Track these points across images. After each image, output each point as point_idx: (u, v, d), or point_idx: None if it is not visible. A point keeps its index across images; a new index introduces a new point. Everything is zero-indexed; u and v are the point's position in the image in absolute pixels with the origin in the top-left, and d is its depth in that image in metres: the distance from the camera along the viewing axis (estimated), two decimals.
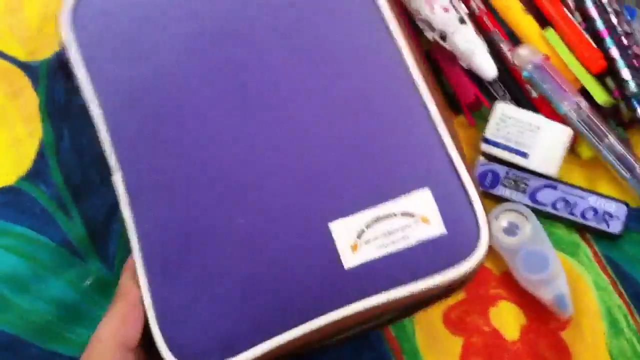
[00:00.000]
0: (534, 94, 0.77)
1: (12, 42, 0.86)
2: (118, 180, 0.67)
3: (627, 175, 0.73)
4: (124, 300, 0.63)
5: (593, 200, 0.74)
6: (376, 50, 0.66)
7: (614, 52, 0.75)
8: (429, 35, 0.77)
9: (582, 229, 0.75)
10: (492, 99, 0.79)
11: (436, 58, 0.80)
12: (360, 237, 0.61)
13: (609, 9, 0.76)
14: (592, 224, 0.73)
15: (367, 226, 0.61)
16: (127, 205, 0.65)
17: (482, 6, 0.80)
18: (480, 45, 0.74)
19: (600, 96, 0.75)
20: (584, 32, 0.76)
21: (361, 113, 0.64)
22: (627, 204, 0.73)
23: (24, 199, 0.80)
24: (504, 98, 0.78)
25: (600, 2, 0.76)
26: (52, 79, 0.84)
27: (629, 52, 0.75)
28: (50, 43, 0.86)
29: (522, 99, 0.78)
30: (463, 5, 0.77)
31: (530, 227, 0.73)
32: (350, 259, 0.61)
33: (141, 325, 0.62)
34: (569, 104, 0.74)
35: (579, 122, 0.74)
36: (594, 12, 0.76)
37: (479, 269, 0.62)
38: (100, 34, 0.70)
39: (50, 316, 0.75)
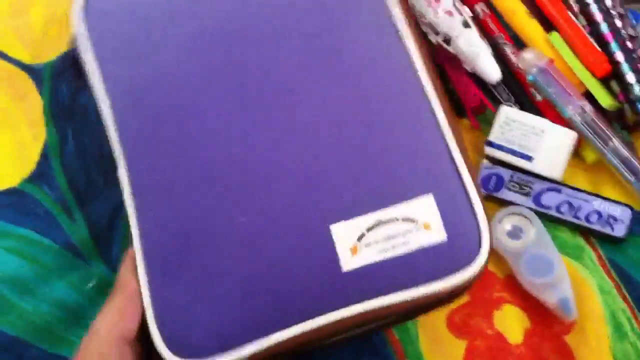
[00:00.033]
0: (539, 98, 0.77)
1: (16, 44, 0.87)
2: (123, 174, 0.67)
3: (632, 178, 0.74)
4: (122, 294, 0.64)
5: (597, 204, 0.74)
6: (386, 53, 0.67)
7: (619, 56, 0.75)
8: (433, 38, 0.78)
9: (587, 233, 0.75)
10: (497, 102, 0.79)
11: (440, 62, 0.80)
12: (360, 240, 0.61)
13: (614, 13, 0.76)
14: (597, 227, 0.74)
15: (368, 230, 0.61)
16: (130, 197, 0.66)
17: (486, 10, 0.81)
18: (485, 49, 0.75)
19: (605, 100, 0.76)
20: (588, 36, 0.77)
21: (368, 116, 0.65)
22: (631, 208, 0.74)
23: (28, 201, 0.80)
24: (509, 101, 0.79)
25: (605, 5, 0.76)
26: (56, 82, 0.85)
27: (634, 55, 0.75)
28: (54, 46, 0.87)
29: (527, 103, 0.79)
30: (467, 9, 0.78)
31: (535, 230, 0.73)
32: (349, 262, 0.61)
33: (139, 318, 0.63)
34: (574, 108, 0.74)
35: (583, 125, 0.74)
36: (598, 16, 0.76)
37: (481, 276, 0.63)
38: (111, 31, 0.70)
39: (52, 318, 0.75)
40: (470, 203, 0.62)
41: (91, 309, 0.75)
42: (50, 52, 0.87)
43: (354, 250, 0.61)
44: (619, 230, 0.73)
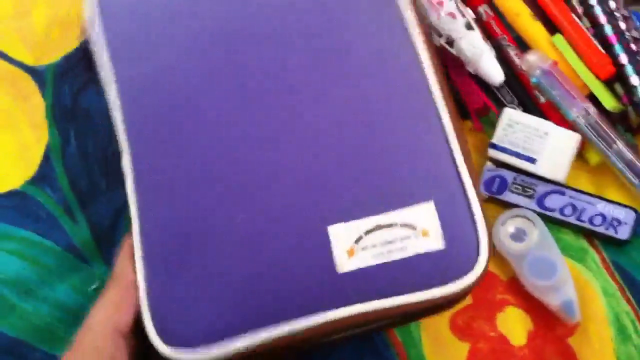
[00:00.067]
0: (542, 100, 0.78)
1: (19, 46, 0.88)
2: (127, 164, 0.68)
3: (636, 181, 0.74)
4: (117, 286, 0.64)
5: (601, 206, 0.75)
6: (394, 53, 0.67)
7: (623, 58, 0.76)
8: (436, 40, 0.78)
9: (590, 235, 0.76)
10: (500, 104, 0.80)
11: (443, 64, 0.81)
12: (357, 243, 0.62)
13: (617, 15, 0.77)
14: (600, 230, 0.74)
15: (367, 233, 0.62)
16: (133, 187, 0.67)
17: (490, 12, 0.82)
18: (487, 51, 0.75)
19: (609, 102, 0.76)
20: (592, 38, 0.77)
21: (371, 118, 0.65)
22: (635, 210, 0.74)
23: (30, 203, 0.81)
24: (512, 104, 0.79)
25: (609, 7, 0.77)
26: (59, 83, 0.86)
27: (638, 57, 0.76)
28: (57, 47, 0.88)
29: (530, 105, 0.79)
30: (470, 11, 0.78)
31: (538, 233, 0.74)
32: (344, 264, 0.62)
33: (134, 311, 0.63)
34: (578, 110, 0.75)
35: (587, 128, 0.74)
36: (602, 18, 0.77)
37: (478, 284, 0.63)
38: (123, 24, 0.71)
39: (54, 320, 0.76)
40: (470, 211, 0.63)
41: None
42: (52, 54, 0.88)
43: (350, 253, 0.62)
44: (623, 233, 0.74)
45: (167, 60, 0.69)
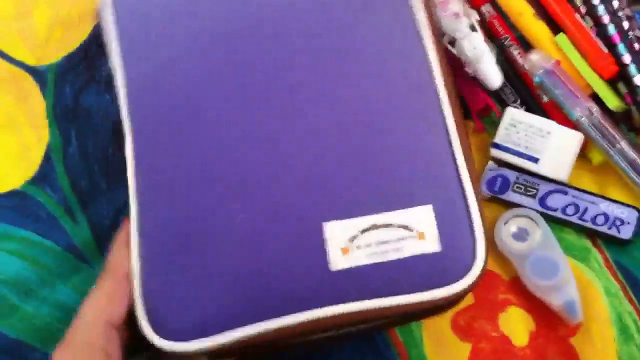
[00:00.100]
0: (545, 99, 0.78)
1: (20, 46, 0.89)
2: (128, 147, 0.68)
3: (639, 180, 0.74)
4: (111, 278, 0.64)
5: (604, 206, 0.75)
6: (403, 55, 0.68)
7: (626, 58, 0.76)
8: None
9: (593, 235, 0.76)
10: (503, 104, 0.80)
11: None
12: (352, 242, 0.62)
13: (621, 14, 0.77)
14: (603, 229, 0.75)
15: (362, 232, 0.62)
16: (133, 177, 0.67)
17: (493, 11, 0.82)
18: (488, 54, 0.75)
19: (612, 101, 0.76)
20: (595, 38, 0.77)
21: (374, 120, 0.66)
22: (638, 210, 0.75)
23: (30, 203, 0.82)
24: (515, 103, 0.80)
25: (612, 7, 0.77)
26: (60, 83, 0.86)
27: None
28: (58, 47, 0.88)
29: (533, 104, 0.80)
30: (475, 14, 0.79)
31: (540, 232, 0.74)
32: (338, 262, 0.62)
33: (127, 303, 0.63)
34: (581, 110, 0.75)
35: (590, 127, 0.75)
36: (605, 18, 0.77)
37: (473, 288, 0.63)
38: (134, 16, 0.72)
39: (55, 321, 0.76)
40: (469, 215, 0.63)
41: None
42: (53, 54, 0.88)
43: (344, 251, 0.62)
44: (626, 233, 0.74)
45: (168, 60, 0.70)
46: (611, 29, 0.77)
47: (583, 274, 0.75)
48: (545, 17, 0.80)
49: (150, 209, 0.66)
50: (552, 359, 0.72)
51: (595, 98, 0.77)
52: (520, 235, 0.75)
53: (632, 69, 0.76)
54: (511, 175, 0.77)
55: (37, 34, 0.89)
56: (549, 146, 0.75)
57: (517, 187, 0.77)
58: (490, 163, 0.78)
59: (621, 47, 0.76)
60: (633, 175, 0.74)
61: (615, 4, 0.77)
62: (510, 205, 0.77)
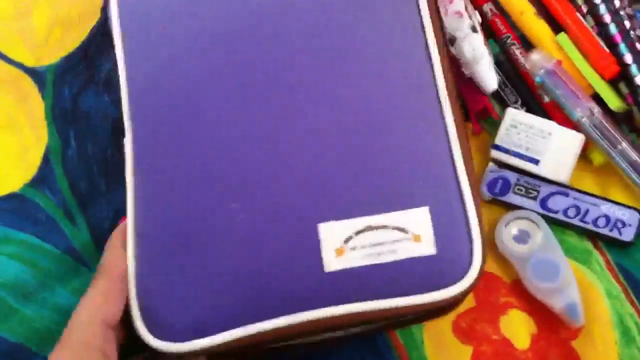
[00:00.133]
0: (546, 100, 0.78)
1: (19, 47, 0.89)
2: (127, 143, 0.69)
3: None
4: (106, 277, 0.64)
5: (605, 208, 0.75)
6: (405, 56, 0.68)
7: (628, 58, 0.76)
8: None
9: (594, 237, 0.76)
10: (503, 104, 0.80)
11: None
12: (347, 243, 0.62)
13: (622, 14, 0.77)
14: (604, 231, 0.75)
15: (357, 233, 0.62)
16: (132, 174, 0.68)
17: (494, 10, 0.83)
18: (486, 56, 0.75)
19: (613, 102, 0.76)
20: (596, 37, 0.78)
21: (373, 120, 0.66)
22: (639, 212, 0.75)
23: (28, 206, 0.82)
24: (516, 103, 0.80)
25: (614, 6, 0.77)
26: (59, 84, 0.87)
27: None
28: (57, 48, 0.89)
29: (534, 105, 0.80)
30: (478, 16, 0.78)
31: (541, 234, 0.74)
32: (332, 263, 0.62)
33: (123, 302, 0.63)
34: (582, 110, 0.75)
35: (591, 128, 0.75)
36: (607, 17, 0.77)
37: (470, 292, 0.64)
38: (136, 11, 0.73)
39: (54, 324, 0.77)
40: (466, 219, 0.63)
41: None
42: (52, 55, 0.89)
43: (339, 252, 0.62)
44: (627, 235, 0.74)
45: (168, 59, 0.70)
46: (612, 29, 0.77)
47: (584, 276, 0.75)
48: (547, 16, 0.81)
49: (148, 208, 0.66)
50: None
51: (597, 98, 0.77)
52: (521, 238, 0.75)
53: (634, 69, 0.76)
54: (512, 177, 0.77)
55: (37, 34, 0.90)
56: (550, 147, 0.75)
57: (518, 188, 0.77)
58: (491, 165, 0.78)
59: (622, 47, 0.76)
60: (634, 176, 0.74)
61: (617, 3, 0.77)
62: (511, 207, 0.77)
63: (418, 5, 0.70)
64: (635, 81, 0.76)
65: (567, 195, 0.76)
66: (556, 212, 0.76)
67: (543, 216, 0.75)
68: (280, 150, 0.66)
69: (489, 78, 0.75)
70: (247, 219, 0.64)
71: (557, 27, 0.80)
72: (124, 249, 0.65)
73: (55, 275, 0.79)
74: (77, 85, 0.87)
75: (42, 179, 0.83)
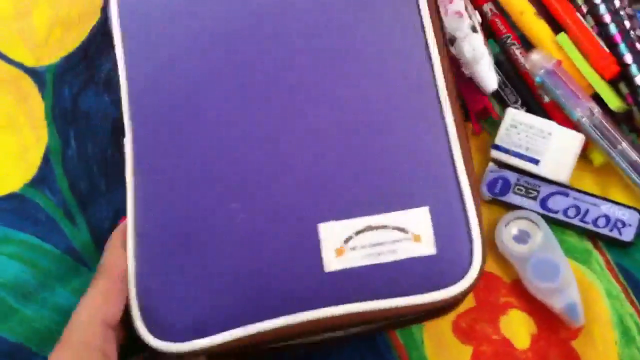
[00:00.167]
0: (546, 100, 0.79)
1: (19, 47, 0.89)
2: (127, 143, 0.69)
3: None
4: (106, 278, 0.64)
5: (605, 208, 0.75)
6: (404, 56, 0.68)
7: (628, 58, 0.76)
8: None
9: (594, 237, 0.76)
10: (503, 104, 0.81)
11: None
12: (347, 243, 0.62)
13: (622, 14, 0.77)
14: (604, 231, 0.75)
15: (357, 233, 0.63)
16: (132, 174, 0.68)
17: (494, 10, 0.83)
18: (486, 56, 0.75)
19: (613, 102, 0.77)
20: (596, 37, 0.78)
21: (373, 120, 0.66)
22: (639, 212, 0.75)
23: (28, 206, 0.82)
24: (516, 104, 0.80)
25: (614, 6, 0.77)
26: (59, 84, 0.87)
27: None
28: (57, 48, 0.89)
29: (534, 105, 0.80)
30: (479, 16, 0.79)
31: (541, 234, 0.75)
32: (332, 263, 0.62)
33: (123, 302, 0.63)
34: (582, 110, 0.75)
35: (592, 128, 0.75)
36: (607, 17, 0.77)
37: (469, 292, 0.64)
38: (136, 11, 0.73)
39: (54, 324, 0.77)
40: (466, 219, 0.63)
41: None
42: (52, 55, 0.89)
43: (339, 252, 0.62)
44: (627, 235, 0.75)
45: (168, 59, 0.70)
46: (612, 29, 0.77)
47: (584, 276, 0.75)
48: (547, 16, 0.81)
49: (148, 208, 0.67)
50: None
51: (597, 98, 0.77)
52: (521, 238, 0.75)
53: (634, 69, 0.76)
54: (512, 176, 0.77)
55: (37, 34, 0.90)
56: (550, 147, 0.76)
57: (518, 188, 0.77)
58: (491, 165, 0.78)
59: (622, 47, 0.77)
60: (635, 176, 0.75)
61: (617, 3, 0.78)
62: (511, 207, 0.77)
63: (418, 5, 0.70)
64: (635, 81, 0.76)
65: (567, 195, 0.76)
66: (556, 212, 0.76)
67: (543, 216, 0.76)
68: (280, 150, 0.66)
69: (488, 78, 0.75)
70: (247, 219, 0.64)
71: (557, 27, 0.80)
72: (124, 249, 0.66)
73: (55, 275, 0.79)
74: (77, 85, 0.87)
75: (42, 179, 0.83)
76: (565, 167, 0.76)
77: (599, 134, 0.75)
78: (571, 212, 0.76)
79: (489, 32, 0.83)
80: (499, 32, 0.82)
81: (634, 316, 0.73)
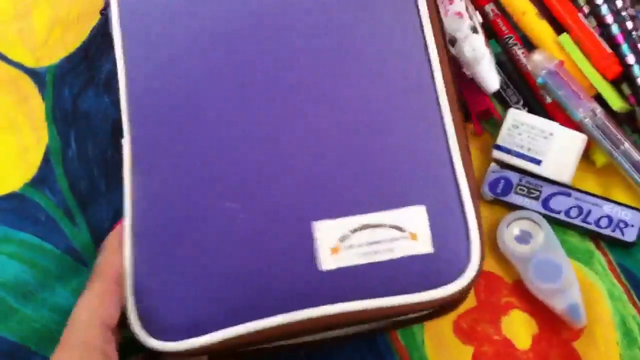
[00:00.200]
0: (548, 100, 0.79)
1: (19, 47, 0.90)
2: (125, 144, 0.69)
3: None
4: (101, 280, 0.64)
5: (608, 208, 0.75)
6: (405, 56, 0.68)
7: (630, 58, 0.76)
8: None
9: (596, 237, 0.76)
10: (505, 104, 0.81)
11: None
12: (342, 241, 0.62)
13: (625, 14, 0.77)
14: (607, 232, 0.75)
15: (353, 231, 0.62)
16: (129, 173, 0.68)
17: (496, 10, 0.83)
18: (488, 57, 0.76)
19: (616, 102, 0.77)
20: (599, 38, 0.78)
21: (372, 119, 0.66)
22: None
23: (29, 206, 0.82)
24: (518, 104, 0.80)
25: (616, 7, 0.77)
26: (59, 85, 0.87)
27: None
28: (57, 48, 0.89)
29: (536, 105, 0.80)
30: (479, 16, 0.79)
31: (543, 235, 0.75)
32: (327, 261, 0.62)
33: (120, 304, 0.63)
34: (584, 111, 0.75)
35: (594, 128, 0.75)
36: (609, 17, 0.77)
37: (468, 291, 0.64)
38: (136, 11, 0.73)
39: (54, 324, 0.77)
40: (464, 217, 0.63)
41: None
42: (52, 55, 0.89)
43: (334, 250, 0.62)
44: (630, 235, 0.75)
45: (168, 59, 0.71)
46: (615, 29, 0.77)
47: (586, 277, 0.75)
48: (549, 17, 0.81)
49: (146, 207, 0.67)
50: None
51: (599, 99, 0.77)
52: (523, 238, 0.75)
53: (636, 69, 0.76)
54: (514, 177, 0.78)
55: (37, 35, 0.90)
56: (552, 148, 0.76)
57: (520, 189, 0.77)
58: (493, 165, 0.79)
59: (625, 48, 0.77)
60: (637, 177, 0.75)
61: (619, 3, 0.78)
62: (513, 207, 0.77)
63: (417, 6, 0.70)
64: (637, 82, 0.76)
65: (569, 195, 0.76)
66: (558, 213, 0.76)
67: (545, 216, 0.76)
68: (279, 149, 0.66)
69: (490, 78, 0.75)
70: (245, 219, 0.64)
71: (559, 27, 0.80)
72: (119, 251, 0.66)
73: (55, 275, 0.79)
74: (77, 86, 0.87)
75: (42, 179, 0.84)
76: (568, 168, 0.76)
77: (601, 134, 0.75)
78: (573, 213, 0.76)
79: (491, 32, 0.83)
80: (501, 33, 0.82)
81: (636, 317, 0.73)
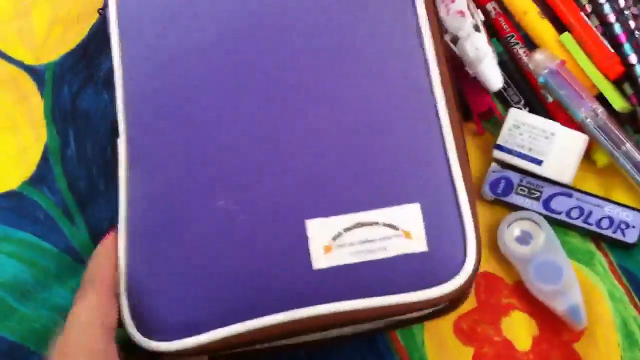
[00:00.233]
0: (549, 100, 0.79)
1: (19, 46, 0.90)
2: (121, 143, 0.69)
3: None
4: (92, 286, 0.63)
5: (609, 209, 0.75)
6: (404, 56, 0.68)
7: (632, 58, 0.76)
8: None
9: (597, 238, 0.76)
10: (506, 104, 0.81)
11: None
12: (335, 240, 0.62)
13: (627, 13, 0.77)
14: (608, 233, 0.75)
15: (346, 230, 0.62)
16: (125, 171, 0.68)
17: (498, 9, 0.83)
18: (490, 55, 0.75)
19: (618, 102, 0.77)
20: (601, 37, 0.78)
21: (368, 119, 0.66)
22: None
23: (27, 204, 0.83)
24: (519, 104, 0.80)
25: (618, 6, 0.77)
26: (58, 83, 0.87)
27: None
28: (56, 47, 0.89)
29: (537, 105, 0.80)
30: (481, 14, 0.79)
31: (544, 235, 0.75)
32: (320, 260, 0.62)
33: (117, 309, 0.63)
34: (586, 111, 0.75)
35: (595, 128, 0.75)
36: (611, 17, 0.77)
37: (465, 290, 0.64)
38: (135, 11, 0.73)
39: (53, 324, 0.77)
40: (460, 216, 0.63)
41: None
42: (52, 53, 0.89)
43: (327, 249, 0.62)
44: (631, 236, 0.75)
45: (167, 59, 0.71)
46: (617, 28, 0.77)
47: (587, 278, 0.75)
48: (550, 16, 0.81)
49: (142, 208, 0.67)
50: None
51: (601, 99, 0.77)
52: (524, 239, 0.75)
53: (639, 69, 0.76)
54: (514, 177, 0.77)
55: (36, 33, 0.90)
56: (553, 148, 0.76)
57: (521, 189, 0.77)
58: (494, 165, 0.79)
59: (627, 47, 0.77)
60: (639, 177, 0.75)
61: (621, 2, 0.78)
62: (514, 207, 0.77)
63: (415, 6, 0.70)
64: (639, 81, 0.76)
65: (570, 196, 0.76)
66: (559, 213, 0.76)
67: (546, 217, 0.76)
68: (278, 149, 0.66)
69: (493, 77, 0.75)
70: (242, 218, 0.64)
71: (561, 26, 0.80)
72: (114, 255, 0.66)
73: (54, 275, 0.79)
74: (77, 84, 0.87)
75: (41, 178, 0.84)
76: (569, 168, 0.76)
77: (602, 134, 0.75)
78: (574, 213, 0.76)
79: (492, 31, 0.83)
80: (503, 32, 0.82)
81: (637, 319, 0.73)
